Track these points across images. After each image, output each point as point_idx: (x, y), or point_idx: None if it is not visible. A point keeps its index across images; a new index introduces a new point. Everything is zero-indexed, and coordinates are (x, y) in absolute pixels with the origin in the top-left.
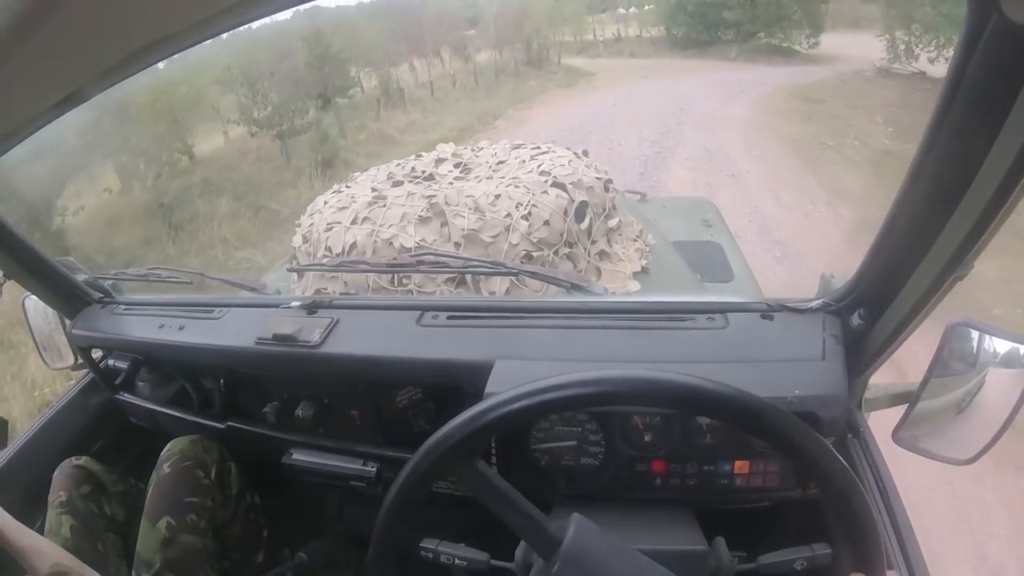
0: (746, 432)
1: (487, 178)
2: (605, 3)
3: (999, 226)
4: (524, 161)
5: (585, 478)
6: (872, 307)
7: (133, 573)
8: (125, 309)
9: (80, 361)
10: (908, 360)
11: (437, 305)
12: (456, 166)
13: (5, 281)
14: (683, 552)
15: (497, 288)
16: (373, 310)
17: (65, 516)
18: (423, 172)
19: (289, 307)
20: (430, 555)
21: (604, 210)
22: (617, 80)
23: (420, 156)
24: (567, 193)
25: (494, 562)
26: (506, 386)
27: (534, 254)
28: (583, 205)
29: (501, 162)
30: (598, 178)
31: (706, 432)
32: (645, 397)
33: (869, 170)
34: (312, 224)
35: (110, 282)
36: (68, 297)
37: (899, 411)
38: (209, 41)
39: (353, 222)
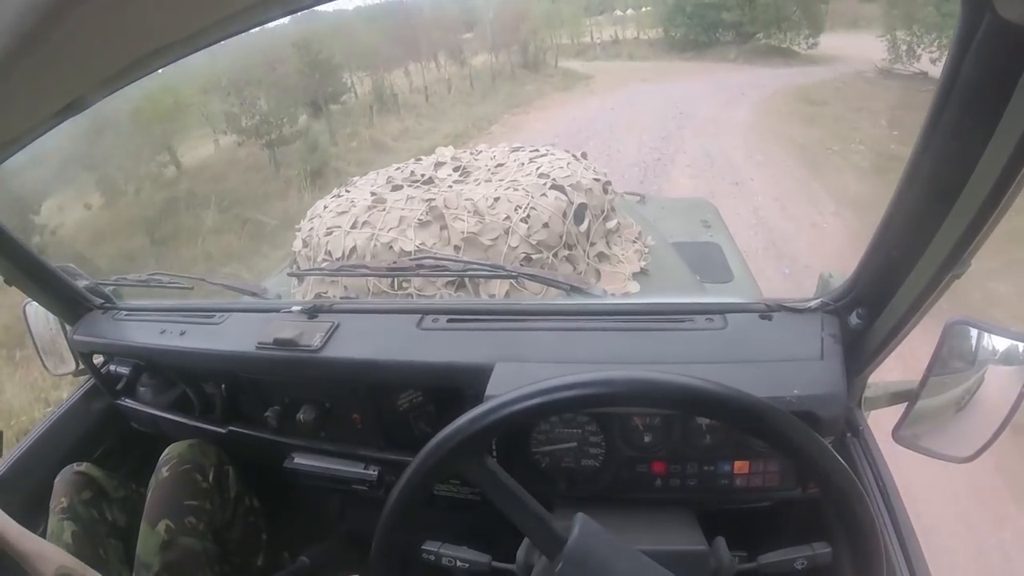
0: (745, 432)
1: (486, 181)
2: (603, 5)
3: (995, 224)
4: (523, 164)
5: (586, 479)
6: (870, 306)
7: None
8: (126, 315)
9: (81, 367)
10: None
11: (437, 308)
12: (455, 169)
13: None
14: (684, 552)
15: (497, 291)
16: (373, 314)
17: (67, 522)
18: (422, 176)
19: (290, 311)
20: (432, 557)
21: (603, 212)
22: (615, 83)
23: (419, 160)
24: (566, 195)
25: (496, 564)
26: (507, 388)
27: (533, 256)
28: (582, 207)
29: (500, 165)
30: (597, 180)
31: (706, 433)
32: (650, 398)
33: (877, 177)
34: (312, 228)
35: (111, 288)
36: (69, 303)
37: (899, 410)
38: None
39: (353, 226)
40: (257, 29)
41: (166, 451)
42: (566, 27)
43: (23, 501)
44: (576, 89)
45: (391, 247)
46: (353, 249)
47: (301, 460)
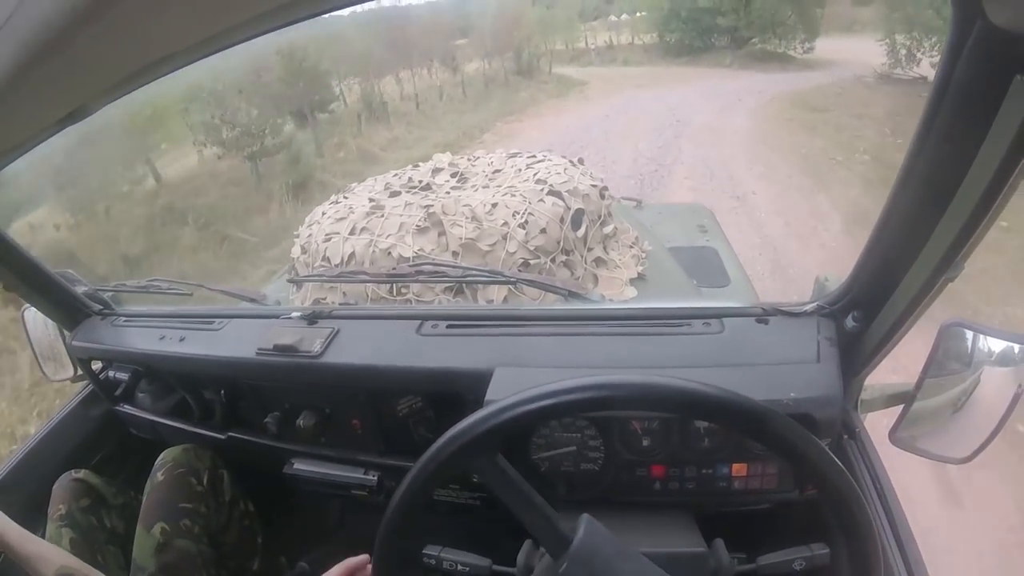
0: (744, 435)
1: (483, 187)
2: (597, 10)
3: (988, 227)
4: (520, 170)
5: (585, 483)
6: (866, 309)
7: None
8: (125, 321)
9: (80, 373)
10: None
11: (436, 314)
12: (453, 175)
13: None
14: (683, 554)
15: (495, 296)
16: (373, 320)
17: (65, 529)
18: (420, 182)
19: (289, 317)
20: (432, 562)
21: (600, 217)
22: (610, 89)
23: (417, 166)
24: (563, 201)
25: (496, 568)
26: (507, 393)
27: (531, 262)
28: (579, 213)
29: (497, 171)
30: (594, 185)
31: (704, 436)
32: (651, 401)
33: (885, 189)
34: (310, 235)
35: (109, 294)
36: (68, 309)
37: (895, 412)
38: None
39: (351, 232)
40: None
41: (161, 456)
42: (561, 33)
43: (21, 507)
44: (570, 96)
45: (390, 253)
46: (352, 255)
47: (301, 466)
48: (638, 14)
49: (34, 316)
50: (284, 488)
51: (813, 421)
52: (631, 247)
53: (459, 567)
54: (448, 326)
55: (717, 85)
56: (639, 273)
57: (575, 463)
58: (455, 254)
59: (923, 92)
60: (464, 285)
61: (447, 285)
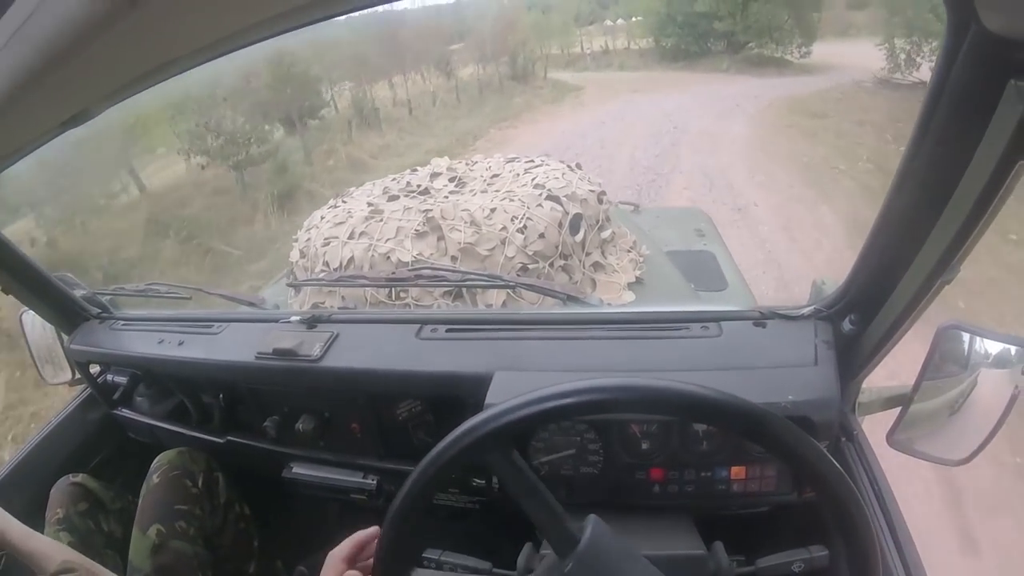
0: (743, 437)
1: (482, 192)
2: (593, 15)
3: (983, 230)
4: (518, 174)
5: (585, 487)
6: (863, 312)
7: None
8: (123, 324)
9: (78, 376)
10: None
11: (436, 318)
12: (451, 180)
13: None
14: (683, 557)
15: (494, 301)
16: (372, 324)
17: (62, 533)
18: (418, 186)
19: (289, 322)
20: (433, 565)
21: (598, 222)
22: (606, 95)
23: (415, 170)
24: (561, 206)
25: (496, 570)
26: (507, 397)
27: (530, 266)
28: (577, 217)
29: (495, 175)
30: (592, 190)
31: (703, 439)
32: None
33: None
34: (309, 239)
35: (108, 297)
36: (66, 312)
37: (893, 414)
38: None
39: (350, 237)
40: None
41: (157, 459)
42: (556, 37)
43: (19, 511)
44: (566, 101)
45: (388, 257)
46: (351, 259)
47: (300, 470)
48: (634, 19)
49: (32, 319)
50: (282, 492)
51: (811, 424)
52: (629, 251)
53: (459, 570)
54: (447, 330)
55: (714, 90)
56: (637, 277)
57: (575, 466)
58: (454, 259)
59: (923, 97)
60: (463, 289)
61: (446, 289)
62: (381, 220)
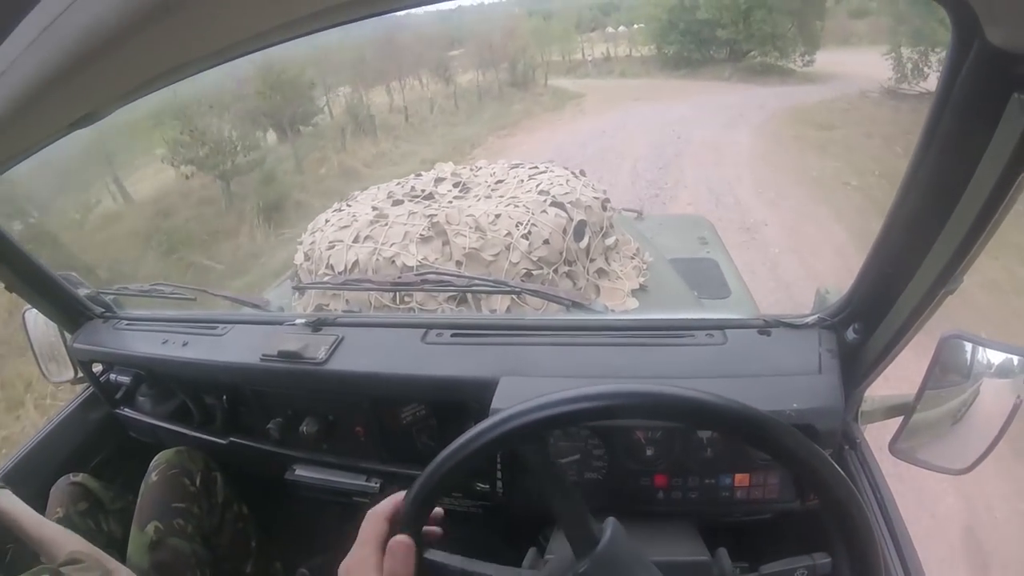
0: (749, 445)
1: (486, 197)
2: (594, 22)
3: (987, 241)
4: (522, 180)
5: (589, 492)
6: (866, 321)
7: None
8: (127, 324)
9: (80, 375)
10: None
11: (441, 323)
12: (455, 185)
13: None
14: (687, 563)
15: (498, 306)
16: (378, 327)
17: None
18: (422, 191)
19: (294, 324)
20: (435, 567)
21: (602, 228)
22: (607, 102)
23: (419, 175)
24: (566, 212)
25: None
26: (512, 402)
27: (534, 272)
28: (582, 224)
29: (500, 181)
30: (596, 197)
31: (707, 446)
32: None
33: None
34: (314, 242)
35: (112, 297)
36: (70, 311)
37: (895, 423)
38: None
39: (355, 240)
40: None
41: (156, 458)
42: (557, 44)
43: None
44: (566, 109)
45: (393, 262)
46: (355, 263)
47: (303, 472)
48: (636, 26)
49: (35, 317)
50: (284, 494)
51: (815, 432)
52: (633, 258)
53: (463, 573)
54: (453, 335)
55: (717, 99)
56: (641, 284)
57: (579, 472)
58: (459, 263)
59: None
60: (467, 294)
61: (450, 294)
62: (386, 224)
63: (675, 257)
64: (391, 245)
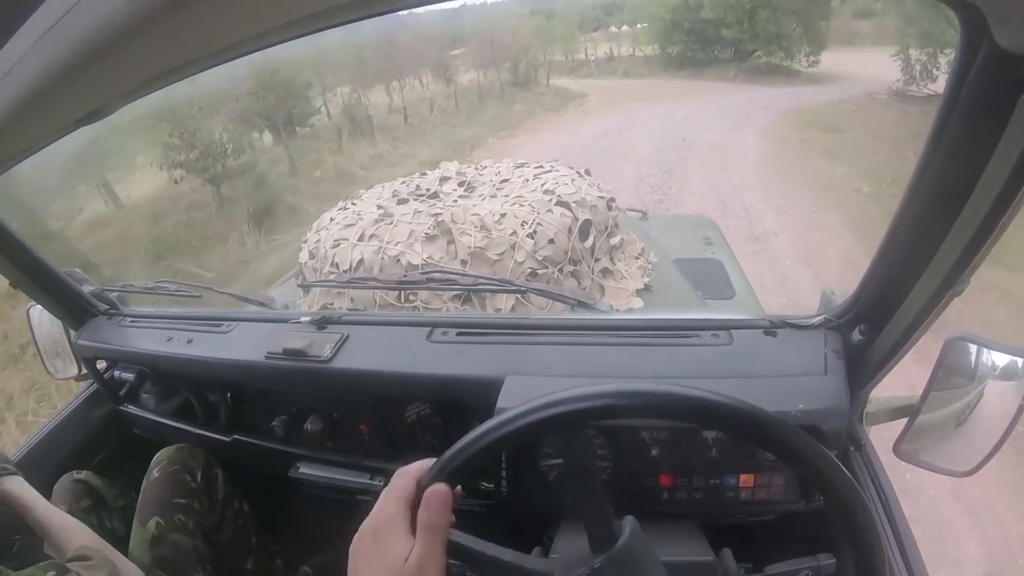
0: (756, 445)
1: (491, 196)
2: (597, 21)
3: (994, 243)
4: (527, 180)
5: None
6: (872, 323)
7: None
8: (132, 321)
9: (84, 372)
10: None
11: (446, 322)
12: (460, 184)
13: None
14: (692, 563)
15: (503, 305)
16: (383, 326)
17: None
18: (427, 190)
19: (299, 322)
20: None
21: (607, 228)
22: (610, 103)
23: (424, 174)
24: (571, 212)
25: None
26: (518, 401)
27: (539, 272)
28: (587, 223)
29: (505, 180)
30: (601, 197)
31: (712, 446)
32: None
33: None
34: (319, 240)
35: (116, 294)
36: (74, 308)
37: (899, 425)
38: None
39: (360, 239)
40: None
41: (157, 455)
42: (560, 44)
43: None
44: (568, 109)
45: (398, 260)
46: (360, 262)
47: (306, 470)
48: (639, 25)
49: (39, 313)
50: (287, 492)
51: (820, 433)
52: (637, 258)
53: (466, 572)
54: (458, 333)
55: (721, 100)
56: (646, 284)
57: None
58: (463, 262)
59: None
60: (472, 293)
61: (456, 293)
62: (391, 223)
63: (679, 257)
64: (396, 244)
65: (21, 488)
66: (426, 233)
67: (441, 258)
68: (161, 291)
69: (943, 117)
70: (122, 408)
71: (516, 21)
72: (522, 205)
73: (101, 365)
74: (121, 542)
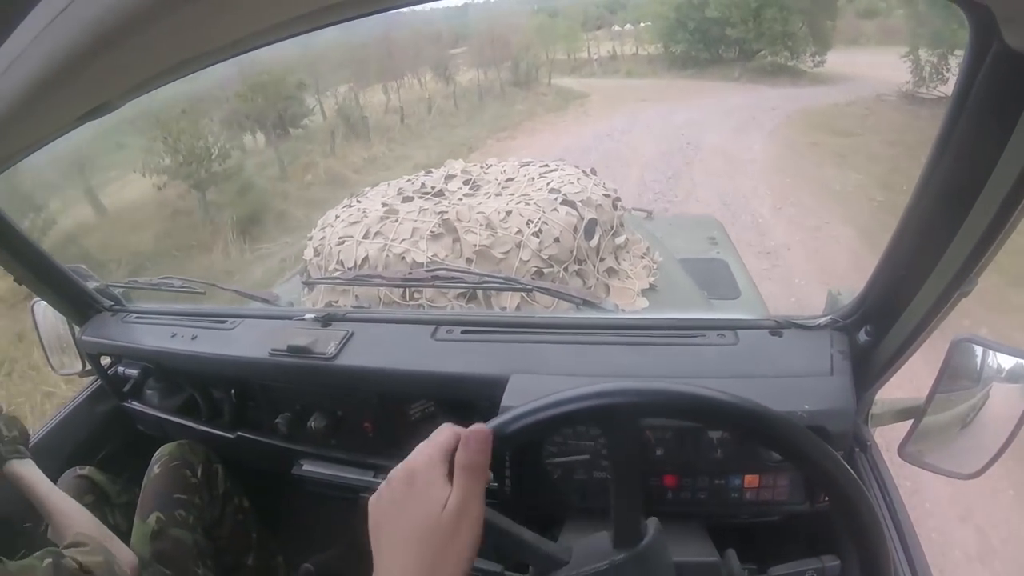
0: (762, 444)
1: (496, 195)
2: (600, 20)
3: (1002, 243)
4: (533, 178)
5: (598, 492)
6: (878, 323)
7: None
8: (136, 318)
9: (88, 368)
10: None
11: (451, 320)
12: (465, 183)
13: None
14: (696, 564)
15: (508, 304)
16: (388, 323)
17: None
18: (432, 188)
19: (303, 319)
20: None
21: (612, 227)
22: (612, 103)
23: (430, 172)
24: (576, 211)
25: (507, 573)
26: (523, 400)
27: (544, 270)
28: (592, 222)
29: (510, 179)
30: (606, 196)
31: (717, 446)
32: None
33: None
34: (324, 237)
35: (120, 290)
36: (78, 304)
37: (904, 426)
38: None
39: (365, 236)
40: None
41: (158, 451)
42: (562, 42)
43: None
44: (569, 110)
45: (403, 258)
46: (365, 259)
47: (310, 467)
48: (642, 24)
49: (44, 309)
50: (290, 489)
51: (826, 433)
52: (643, 258)
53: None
54: (463, 332)
55: (726, 101)
56: (651, 284)
57: (588, 471)
58: (469, 261)
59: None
60: (477, 292)
61: (461, 291)
62: (396, 221)
63: (685, 257)
64: (401, 241)
65: (30, 471)
66: (431, 231)
67: (446, 256)
68: (166, 287)
69: (952, 117)
70: (126, 404)
71: (518, 19)
72: (527, 204)
73: (105, 361)
74: (124, 538)
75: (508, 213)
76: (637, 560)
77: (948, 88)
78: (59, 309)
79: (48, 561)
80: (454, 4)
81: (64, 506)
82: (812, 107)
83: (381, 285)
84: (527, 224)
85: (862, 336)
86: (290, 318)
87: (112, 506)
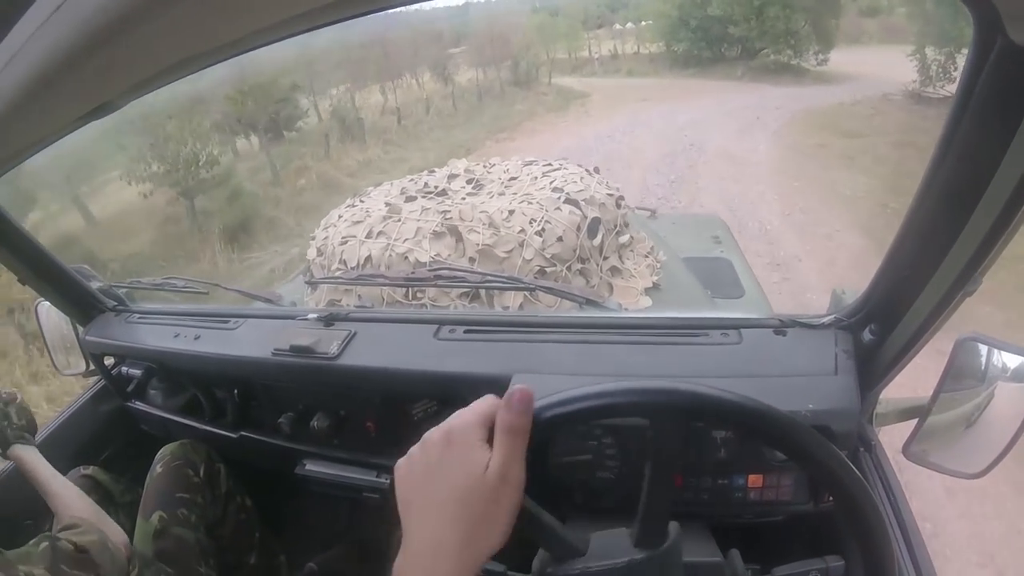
0: (767, 444)
1: (499, 194)
2: (601, 19)
3: (1007, 242)
4: (536, 177)
5: (601, 492)
6: (883, 323)
7: (130, 566)
8: (139, 318)
9: (91, 368)
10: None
11: (454, 319)
12: (468, 182)
13: None
14: (700, 564)
15: (511, 303)
16: (390, 323)
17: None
18: (435, 187)
19: (306, 319)
20: None
21: (616, 226)
22: (613, 103)
23: (432, 171)
24: (580, 210)
25: (510, 573)
26: None
27: (547, 270)
28: (595, 221)
29: (513, 178)
30: (610, 195)
31: (720, 446)
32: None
33: None
34: (326, 237)
35: (124, 290)
36: (82, 304)
37: (909, 426)
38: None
39: (368, 236)
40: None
41: (161, 451)
42: (563, 41)
43: (29, 503)
44: (570, 110)
45: (406, 258)
46: (368, 259)
47: (313, 467)
48: (644, 23)
49: (47, 309)
50: (293, 489)
51: (831, 433)
52: (646, 257)
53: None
54: (466, 331)
55: (730, 100)
56: (654, 283)
57: (591, 471)
58: (471, 260)
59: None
60: (480, 291)
61: (464, 290)
62: (399, 220)
63: (688, 256)
64: (404, 241)
65: (33, 456)
66: (434, 230)
67: (449, 255)
68: (169, 287)
69: (956, 114)
70: (129, 404)
71: (519, 18)
72: (530, 203)
73: (109, 361)
74: (129, 539)
75: (511, 212)
76: (655, 561)
77: (954, 88)
78: (63, 309)
79: (44, 544)
80: (454, 3)
81: (63, 491)
82: (817, 107)
83: (384, 285)
84: (530, 223)
85: (866, 335)
86: (293, 318)
87: (116, 505)
